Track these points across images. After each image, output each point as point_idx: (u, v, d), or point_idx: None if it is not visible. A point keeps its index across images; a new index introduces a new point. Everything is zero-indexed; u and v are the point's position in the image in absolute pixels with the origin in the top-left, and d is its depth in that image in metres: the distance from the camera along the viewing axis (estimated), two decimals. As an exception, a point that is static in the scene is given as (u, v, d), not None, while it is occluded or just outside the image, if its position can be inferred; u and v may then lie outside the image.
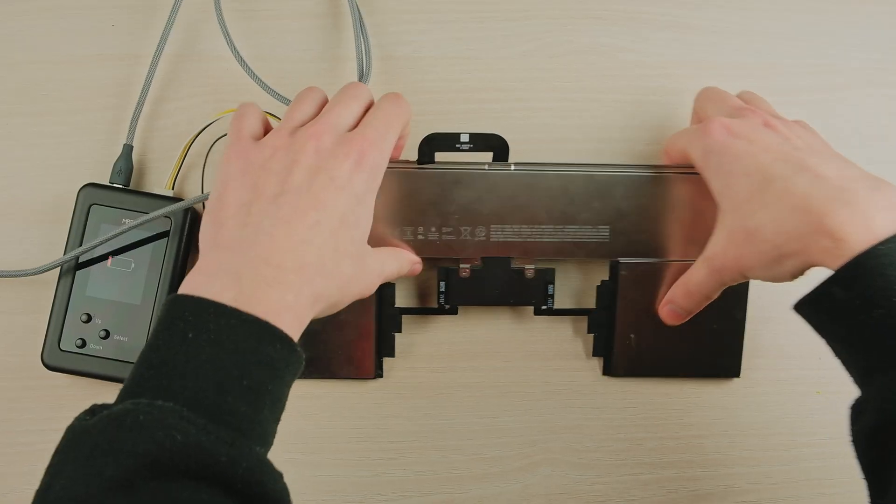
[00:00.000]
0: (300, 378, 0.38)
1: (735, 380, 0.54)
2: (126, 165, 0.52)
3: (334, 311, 0.41)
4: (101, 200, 0.51)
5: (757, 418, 0.54)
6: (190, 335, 0.35)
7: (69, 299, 0.51)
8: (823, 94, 0.57)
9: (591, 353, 0.53)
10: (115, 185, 0.52)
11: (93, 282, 0.51)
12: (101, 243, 0.50)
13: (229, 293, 0.36)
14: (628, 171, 0.48)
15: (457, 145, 0.48)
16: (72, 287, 0.51)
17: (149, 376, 0.35)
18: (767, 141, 0.43)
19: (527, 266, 0.50)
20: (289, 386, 0.37)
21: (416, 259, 0.49)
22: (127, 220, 0.51)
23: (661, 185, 0.48)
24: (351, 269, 0.41)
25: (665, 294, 0.49)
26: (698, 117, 0.50)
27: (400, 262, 0.47)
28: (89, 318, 0.51)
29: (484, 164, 0.48)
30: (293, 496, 0.52)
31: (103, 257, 0.51)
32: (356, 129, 0.42)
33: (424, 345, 0.53)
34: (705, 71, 0.57)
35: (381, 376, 0.52)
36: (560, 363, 0.54)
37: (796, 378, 0.55)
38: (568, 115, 0.56)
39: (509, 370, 0.54)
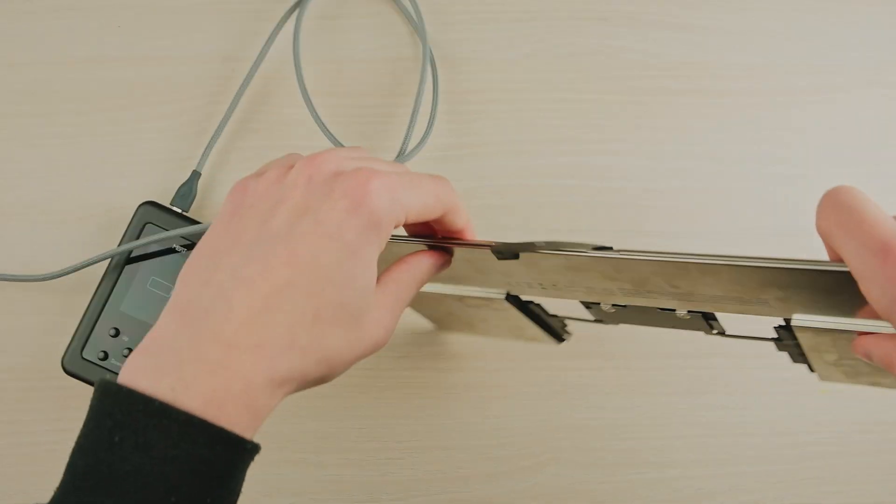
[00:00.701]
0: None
1: (735, 378, 0.54)
2: (189, 191, 0.53)
3: (326, 382, 0.34)
4: (156, 220, 0.51)
5: (762, 417, 0.54)
6: (116, 438, 0.29)
7: (102, 310, 0.50)
8: (823, 94, 0.57)
9: (595, 352, 0.54)
10: (173, 209, 0.52)
11: (129, 299, 0.51)
12: (109, 256, 0.50)
13: (167, 381, 0.30)
14: (778, 265, 0.34)
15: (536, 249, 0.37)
16: (108, 298, 0.50)
17: (72, 488, 0.29)
18: None
19: (678, 310, 0.41)
20: (239, 481, 0.32)
21: (442, 260, 0.38)
22: (178, 246, 0.51)
23: (823, 279, 0.35)
24: (340, 341, 0.32)
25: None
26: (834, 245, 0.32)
27: (420, 278, 0.37)
28: (117, 333, 0.50)
29: (586, 246, 0.36)
30: (302, 496, 0.52)
31: (145, 277, 0.51)
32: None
33: (429, 344, 0.53)
34: (708, 71, 0.57)
35: (564, 340, 0.50)
36: (565, 363, 0.54)
37: (801, 377, 0.55)
38: (572, 115, 0.56)
39: (515, 370, 0.54)
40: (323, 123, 0.54)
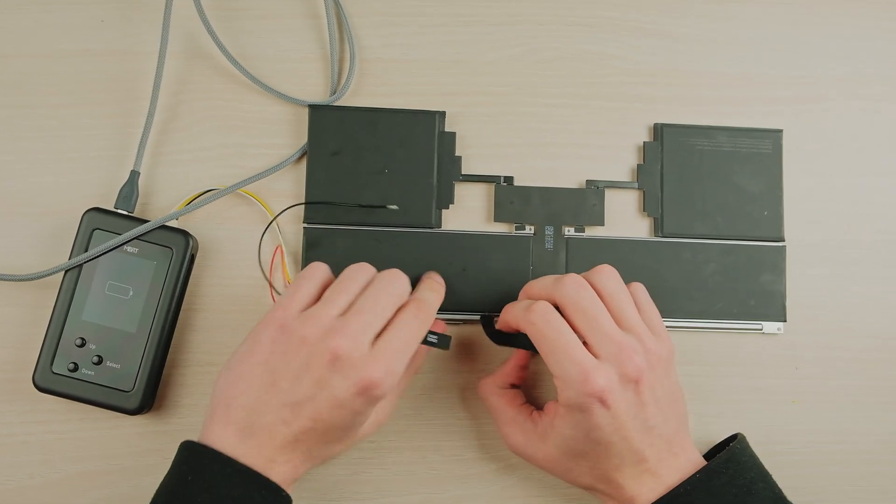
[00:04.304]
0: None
1: (711, 387, 0.54)
2: (131, 191, 0.52)
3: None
4: (104, 226, 0.51)
5: (734, 426, 0.54)
6: (189, 478, 0.43)
7: (65, 322, 0.50)
8: (803, 104, 0.58)
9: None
10: (119, 212, 0.52)
11: (90, 306, 0.50)
12: (88, 260, 0.50)
13: (231, 451, 0.44)
14: None
15: None
16: (68, 310, 0.50)
17: None
18: (623, 419, 0.45)
19: None
20: None
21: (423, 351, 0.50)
22: (129, 248, 0.51)
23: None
24: (340, 447, 0.47)
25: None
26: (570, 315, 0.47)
27: (413, 364, 0.49)
28: (83, 343, 0.50)
29: None
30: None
31: (102, 282, 0.51)
32: (372, 350, 0.43)
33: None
34: (688, 79, 0.57)
35: None
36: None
37: (773, 386, 0.56)
38: (552, 119, 0.56)
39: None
40: (259, 80, 0.54)
